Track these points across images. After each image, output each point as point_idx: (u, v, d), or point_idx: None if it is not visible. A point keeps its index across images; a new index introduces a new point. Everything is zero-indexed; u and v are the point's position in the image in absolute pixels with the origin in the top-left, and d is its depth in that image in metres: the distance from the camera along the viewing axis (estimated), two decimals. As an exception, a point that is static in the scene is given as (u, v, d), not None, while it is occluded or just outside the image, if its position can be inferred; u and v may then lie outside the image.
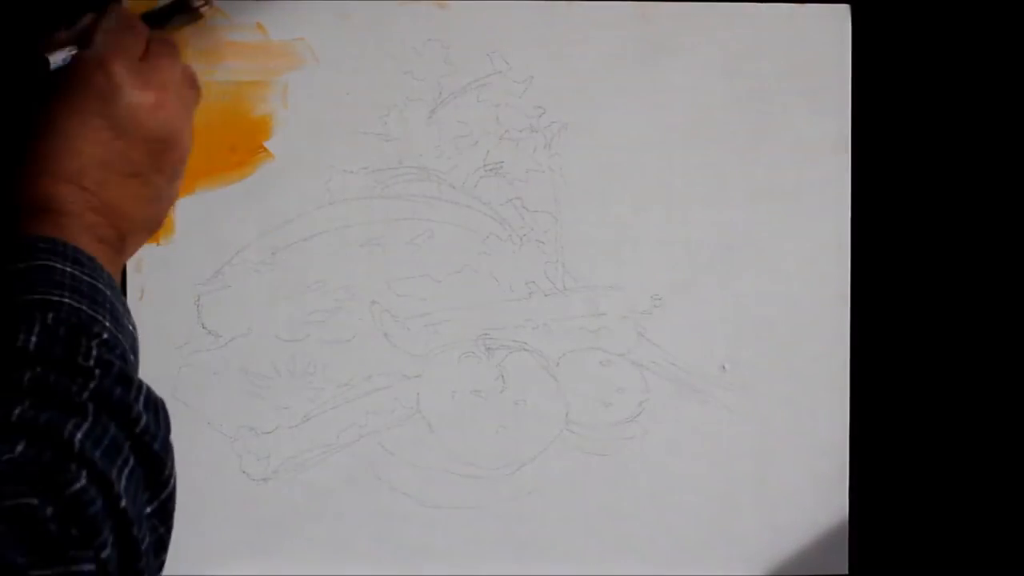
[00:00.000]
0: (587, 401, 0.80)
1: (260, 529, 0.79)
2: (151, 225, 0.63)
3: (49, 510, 0.42)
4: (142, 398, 0.50)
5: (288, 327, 0.79)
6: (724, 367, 0.81)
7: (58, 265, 0.52)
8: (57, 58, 0.55)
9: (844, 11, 0.81)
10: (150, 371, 0.79)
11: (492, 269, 0.80)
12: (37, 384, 0.46)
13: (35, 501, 0.42)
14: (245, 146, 0.79)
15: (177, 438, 0.55)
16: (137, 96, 0.58)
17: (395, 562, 0.80)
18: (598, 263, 0.80)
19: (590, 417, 0.81)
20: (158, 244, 0.79)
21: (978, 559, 0.84)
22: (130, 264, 0.78)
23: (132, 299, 0.79)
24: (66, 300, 0.51)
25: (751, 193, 0.81)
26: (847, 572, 0.81)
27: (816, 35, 0.81)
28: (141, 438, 0.49)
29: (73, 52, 0.57)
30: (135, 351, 0.55)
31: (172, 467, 0.52)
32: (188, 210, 0.79)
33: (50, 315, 0.49)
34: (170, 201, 0.64)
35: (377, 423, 0.80)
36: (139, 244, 0.63)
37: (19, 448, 0.44)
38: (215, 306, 0.79)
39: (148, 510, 0.49)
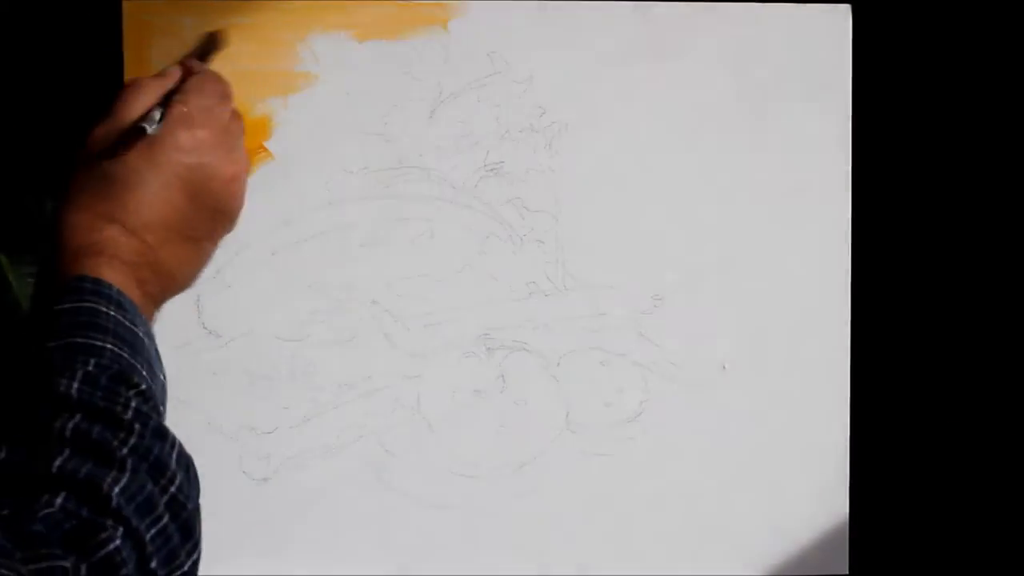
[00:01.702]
0: (587, 401, 0.80)
1: (260, 529, 0.79)
2: (187, 286, 0.63)
3: (83, 569, 0.43)
4: (175, 454, 0.50)
5: (288, 327, 0.79)
6: (724, 367, 0.81)
7: (103, 308, 0.52)
8: (152, 127, 0.55)
9: (844, 11, 0.81)
10: (150, 371, 0.79)
11: (492, 269, 0.80)
12: (78, 434, 0.47)
13: (67, 564, 0.43)
14: (245, 146, 0.79)
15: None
16: (219, 167, 0.58)
17: (395, 562, 0.80)
18: (598, 263, 0.80)
19: (590, 417, 0.80)
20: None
21: (977, 559, 0.84)
22: (130, 264, 0.78)
23: (132, 299, 0.79)
24: (108, 346, 0.51)
25: (751, 192, 0.81)
26: (847, 572, 0.81)
27: (816, 35, 0.81)
28: (175, 497, 0.49)
29: (160, 111, 0.56)
30: (164, 402, 0.55)
31: (200, 529, 0.51)
32: (188, 210, 0.78)
33: (92, 361, 0.50)
34: (206, 264, 0.64)
35: (377, 423, 0.80)
36: (168, 299, 0.63)
37: (58, 500, 0.44)
38: (215, 306, 0.79)
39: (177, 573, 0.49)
